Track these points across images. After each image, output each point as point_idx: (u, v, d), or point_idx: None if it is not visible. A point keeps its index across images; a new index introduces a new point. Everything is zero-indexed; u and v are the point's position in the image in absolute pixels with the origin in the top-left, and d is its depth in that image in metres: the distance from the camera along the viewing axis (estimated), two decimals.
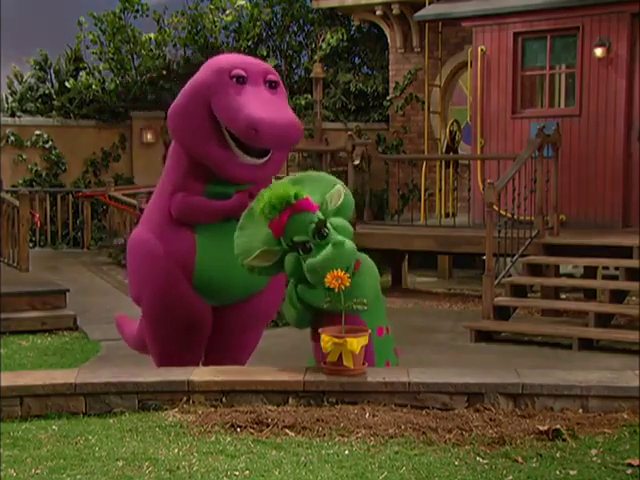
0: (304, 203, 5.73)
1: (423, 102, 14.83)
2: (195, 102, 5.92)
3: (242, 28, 16.48)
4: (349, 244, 5.77)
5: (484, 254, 9.49)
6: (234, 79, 5.88)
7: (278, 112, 5.82)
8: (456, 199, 13.13)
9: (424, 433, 5.12)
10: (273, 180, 6.28)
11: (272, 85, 6.04)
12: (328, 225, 5.71)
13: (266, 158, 6.00)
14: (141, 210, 11.80)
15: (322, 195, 5.88)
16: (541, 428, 5.12)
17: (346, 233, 5.86)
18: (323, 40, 16.38)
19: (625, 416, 5.41)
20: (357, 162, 12.63)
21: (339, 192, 5.89)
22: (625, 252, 9.43)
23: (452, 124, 13.46)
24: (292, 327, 9.42)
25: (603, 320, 8.83)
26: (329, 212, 5.83)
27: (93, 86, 15.29)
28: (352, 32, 16.71)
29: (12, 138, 14.48)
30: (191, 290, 6.21)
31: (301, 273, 5.75)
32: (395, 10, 14.84)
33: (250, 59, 6.26)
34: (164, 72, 15.79)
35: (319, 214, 5.75)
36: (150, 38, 15.97)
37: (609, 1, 11.07)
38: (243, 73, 5.90)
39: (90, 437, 5.13)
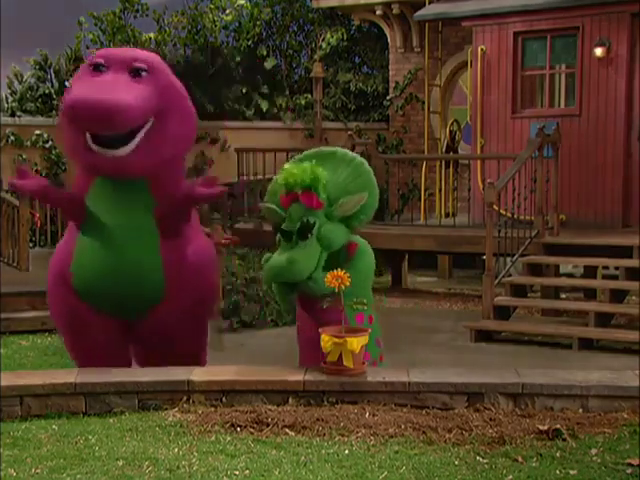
0: (307, 198, 5.80)
1: (423, 102, 14.83)
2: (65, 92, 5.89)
3: (242, 28, 16.47)
4: (302, 266, 5.73)
5: (484, 254, 9.49)
6: (92, 67, 5.82)
7: (101, 93, 5.51)
8: (456, 199, 13.12)
9: (424, 433, 5.12)
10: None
11: (137, 72, 5.78)
12: (314, 231, 5.77)
13: (125, 148, 5.71)
14: None
15: (339, 183, 5.90)
16: (541, 428, 5.12)
17: (328, 244, 5.85)
18: (323, 40, 16.38)
19: (625, 416, 5.41)
20: None
21: (358, 200, 5.89)
22: (625, 252, 9.43)
23: (452, 124, 13.46)
24: (292, 327, 9.45)
25: (603, 320, 8.83)
26: (335, 215, 5.87)
27: None
28: (352, 32, 16.71)
29: (12, 138, 14.47)
30: (72, 294, 6.12)
31: None
32: (395, 10, 14.83)
33: (120, 50, 6.15)
34: None
35: (314, 215, 5.79)
36: (150, 38, 15.97)
37: (609, 1, 11.07)
38: (101, 61, 5.81)
39: (90, 437, 5.13)
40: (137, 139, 5.72)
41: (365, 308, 5.91)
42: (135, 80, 5.74)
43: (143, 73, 5.78)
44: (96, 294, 6.05)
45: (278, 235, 5.90)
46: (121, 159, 5.73)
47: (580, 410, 5.52)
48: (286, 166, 6.02)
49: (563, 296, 10.56)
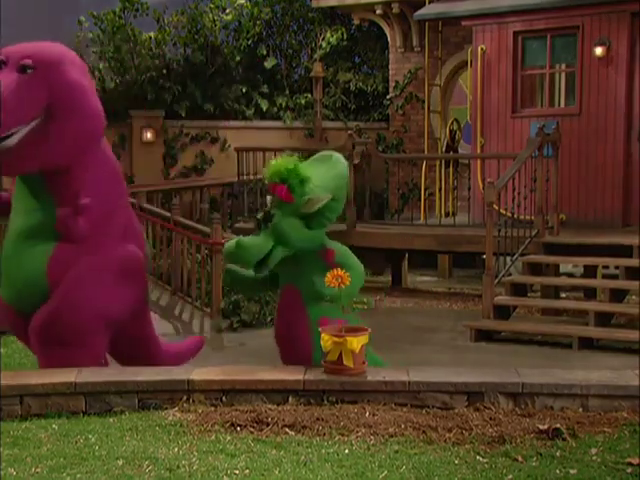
0: (279, 190, 6.00)
1: (423, 101, 14.83)
2: None
3: (242, 27, 16.47)
4: (247, 252, 5.91)
5: (484, 253, 9.49)
6: None
7: None
8: (456, 198, 13.12)
9: (424, 432, 5.12)
10: None
11: (22, 69, 5.74)
12: (271, 223, 5.97)
13: (4, 144, 5.68)
14: (141, 209, 11.81)
15: (319, 179, 6.05)
16: (541, 427, 5.13)
17: (278, 237, 5.95)
18: (323, 39, 16.37)
19: (625, 415, 5.41)
20: (357, 161, 12.62)
21: (320, 200, 5.96)
22: (625, 251, 9.43)
23: (452, 123, 13.45)
24: None
25: (603, 319, 8.83)
26: (299, 210, 5.96)
27: None
28: (352, 31, 16.71)
29: None
30: None
31: None
32: (395, 9, 14.84)
33: (18, 46, 6.03)
34: (164, 71, 15.78)
35: (281, 207, 5.96)
36: (150, 37, 15.96)
37: (609, 0, 11.07)
38: (2, 58, 5.81)
39: (90, 436, 5.13)
40: (18, 135, 5.68)
41: (365, 307, 5.91)
42: (22, 77, 5.72)
43: (29, 70, 5.75)
44: (5, 295, 6.17)
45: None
46: (6, 154, 5.72)
47: (580, 409, 5.52)
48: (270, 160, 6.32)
49: (563, 295, 10.56)
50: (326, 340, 5.70)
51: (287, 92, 16.45)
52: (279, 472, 4.53)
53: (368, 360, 5.94)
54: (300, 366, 5.97)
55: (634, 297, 10.06)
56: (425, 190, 12.92)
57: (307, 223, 5.99)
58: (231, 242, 6.00)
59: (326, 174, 6.12)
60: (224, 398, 5.67)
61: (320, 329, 5.79)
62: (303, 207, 5.95)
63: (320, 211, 5.97)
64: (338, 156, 6.27)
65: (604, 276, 10.37)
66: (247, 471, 4.54)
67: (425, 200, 12.84)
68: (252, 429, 5.20)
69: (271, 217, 5.98)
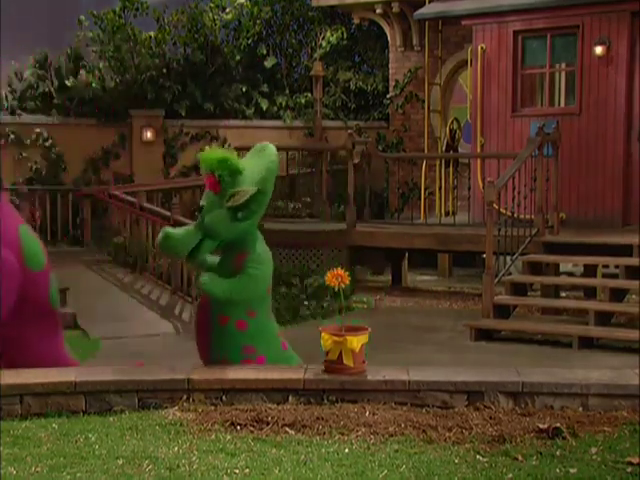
0: (209, 181, 6.05)
1: (423, 101, 14.83)
2: None
3: (242, 26, 16.47)
4: (173, 242, 6.03)
5: (484, 253, 9.49)
6: None
7: None
8: (456, 198, 13.12)
9: (424, 431, 5.12)
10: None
11: None
12: (201, 215, 6.04)
13: None
14: (141, 208, 11.81)
15: (250, 170, 6.05)
16: (541, 426, 5.13)
17: (206, 229, 6.02)
18: (323, 38, 16.37)
19: (625, 414, 5.41)
20: (357, 161, 12.62)
21: (246, 193, 5.99)
22: (625, 250, 9.43)
23: (452, 122, 13.45)
24: (292, 326, 9.48)
25: (603, 319, 8.82)
26: (225, 203, 5.99)
27: (93, 84, 15.28)
28: (352, 30, 16.71)
29: (12, 136, 14.47)
30: None
31: None
32: (395, 8, 14.83)
33: None
34: (164, 70, 15.78)
35: (211, 199, 6.00)
36: (150, 36, 15.96)
37: (609, 0, 11.06)
38: None
39: (90, 435, 5.13)
40: None
41: (365, 307, 5.91)
42: None
43: None
44: None
45: None
46: None
47: (580, 409, 5.52)
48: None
49: (563, 295, 10.56)
50: (326, 339, 5.71)
51: (287, 91, 16.45)
52: (279, 471, 4.53)
53: (283, 358, 6.08)
54: (300, 365, 5.97)
55: (634, 296, 10.05)
56: (425, 189, 12.92)
57: (235, 215, 6.00)
58: (161, 232, 6.12)
59: (256, 166, 6.10)
60: (224, 397, 5.67)
61: (320, 328, 5.79)
62: (229, 200, 5.98)
63: (246, 204, 5.97)
64: (271, 147, 6.22)
65: (604, 275, 10.37)
66: (247, 470, 4.54)
67: (425, 199, 12.84)
68: (252, 428, 5.20)
69: (201, 208, 6.07)
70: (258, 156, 6.18)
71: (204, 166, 6.04)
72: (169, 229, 6.11)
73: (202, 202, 6.09)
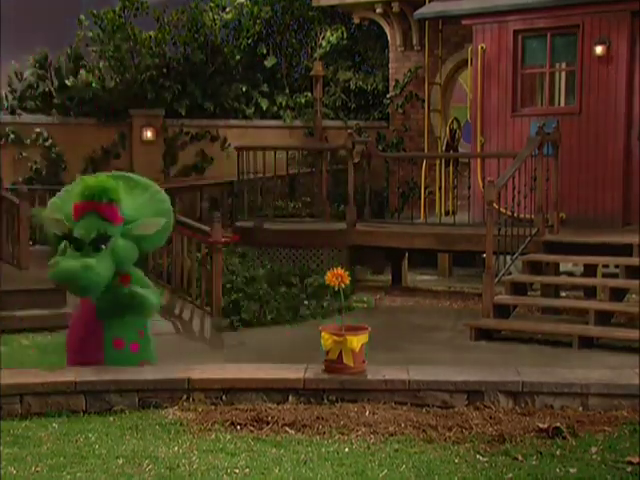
0: (110, 211, 5.98)
1: (423, 100, 14.83)
2: None
3: (242, 26, 16.46)
4: (97, 275, 5.89)
5: (484, 252, 9.49)
6: None
7: None
8: (456, 197, 13.11)
9: (424, 431, 5.12)
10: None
11: None
12: (109, 244, 5.95)
13: None
14: None
15: (134, 204, 6.16)
16: (541, 426, 5.13)
17: (120, 260, 6.04)
18: (323, 38, 16.37)
19: (625, 414, 5.42)
20: (357, 160, 12.62)
21: (157, 223, 6.13)
22: (625, 250, 9.42)
23: (452, 122, 13.45)
24: (292, 326, 9.48)
25: (603, 318, 8.82)
26: (133, 233, 6.05)
27: (93, 84, 15.28)
28: (352, 30, 16.70)
29: (12, 136, 14.47)
30: None
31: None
32: (395, 8, 14.83)
33: None
34: (164, 70, 15.78)
35: (111, 229, 5.96)
36: (150, 36, 15.95)
37: (609, 0, 11.08)
38: None
39: (90, 435, 5.14)
40: None
41: (365, 306, 5.92)
42: None
43: None
44: None
45: (63, 242, 6.06)
46: None
47: (580, 408, 5.52)
48: (83, 177, 6.27)
49: (563, 294, 10.55)
50: (326, 339, 5.71)
51: (287, 91, 16.45)
52: (279, 471, 4.53)
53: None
54: (300, 365, 5.97)
55: (634, 296, 10.05)
56: (425, 189, 12.91)
57: (140, 245, 6.13)
58: (69, 264, 5.90)
59: (142, 198, 6.27)
60: (224, 397, 5.67)
61: (320, 328, 5.80)
62: (140, 230, 6.06)
63: (155, 234, 6.14)
64: (139, 177, 6.48)
65: (604, 275, 10.37)
66: (247, 470, 4.55)
67: (425, 199, 12.83)
68: (252, 428, 5.21)
69: (108, 239, 5.97)
70: (132, 185, 6.34)
71: (97, 194, 5.96)
72: (88, 260, 5.87)
73: (93, 234, 5.93)
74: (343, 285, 5.75)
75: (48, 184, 14.49)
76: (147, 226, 6.10)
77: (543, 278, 9.90)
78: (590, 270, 10.44)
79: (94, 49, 15.94)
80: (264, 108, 15.99)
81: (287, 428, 5.18)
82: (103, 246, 5.94)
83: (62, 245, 6.04)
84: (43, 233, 6.62)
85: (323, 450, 4.83)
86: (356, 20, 15.83)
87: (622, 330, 8.68)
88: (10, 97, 15.34)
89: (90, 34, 15.87)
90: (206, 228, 10.11)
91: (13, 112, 14.92)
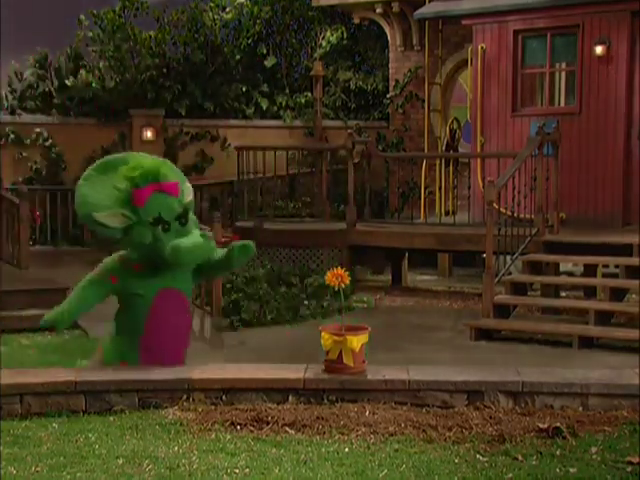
0: (172, 186, 6.05)
1: (423, 100, 14.83)
2: None
3: (242, 26, 16.46)
4: (212, 244, 6.09)
5: (484, 252, 9.49)
6: None
7: None
8: (456, 197, 13.11)
9: (424, 431, 5.12)
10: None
11: None
12: (189, 216, 6.09)
13: None
14: None
15: (178, 181, 6.22)
16: (541, 426, 5.13)
17: (197, 227, 6.19)
18: (323, 38, 16.37)
19: (625, 414, 5.42)
20: (357, 160, 12.62)
21: (191, 189, 6.31)
22: (625, 250, 9.42)
23: (452, 122, 13.45)
24: (292, 326, 9.48)
25: (603, 318, 8.82)
26: (183, 203, 6.13)
27: (93, 84, 15.28)
28: (352, 30, 16.70)
29: (12, 136, 14.47)
30: None
31: (152, 249, 5.97)
32: (395, 8, 14.83)
33: None
34: (164, 70, 15.78)
35: (182, 202, 6.09)
36: (150, 36, 15.95)
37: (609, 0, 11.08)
38: None
39: (90, 435, 5.14)
40: None
41: (365, 306, 5.96)
42: None
43: None
44: None
45: (152, 229, 5.95)
46: None
47: (580, 408, 5.52)
48: (135, 160, 6.14)
49: (563, 294, 10.56)
50: (326, 339, 5.71)
51: (287, 91, 16.45)
52: (279, 471, 4.53)
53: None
54: (300, 365, 5.97)
55: (634, 296, 10.05)
56: (425, 189, 12.91)
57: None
58: (194, 241, 5.96)
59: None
60: (224, 397, 5.67)
61: (320, 328, 5.80)
62: (187, 197, 6.21)
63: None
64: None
65: (604, 275, 10.37)
66: (247, 470, 4.55)
67: (425, 199, 12.84)
68: (252, 428, 5.21)
69: (187, 212, 6.10)
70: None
71: (162, 173, 6.03)
72: (197, 235, 6.03)
73: (176, 211, 6.03)
74: (343, 285, 5.75)
75: (48, 184, 14.51)
76: (188, 192, 6.25)
77: (543, 278, 9.90)
78: (590, 270, 10.44)
79: (94, 49, 15.95)
80: (264, 108, 15.99)
81: (287, 428, 5.18)
82: (186, 219, 6.04)
83: (157, 230, 5.94)
84: (97, 234, 6.55)
85: (323, 450, 4.83)
86: (356, 20, 15.83)
87: (622, 330, 8.68)
88: (10, 97, 15.34)
89: (90, 34, 15.87)
90: (206, 228, 10.12)
91: (13, 112, 14.92)
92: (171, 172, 6.17)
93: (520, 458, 4.70)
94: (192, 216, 6.18)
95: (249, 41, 16.40)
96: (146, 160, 6.09)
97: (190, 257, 5.98)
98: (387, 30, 15.41)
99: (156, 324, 6.07)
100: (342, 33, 16.30)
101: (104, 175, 6.05)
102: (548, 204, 10.23)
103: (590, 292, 10.24)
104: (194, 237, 5.97)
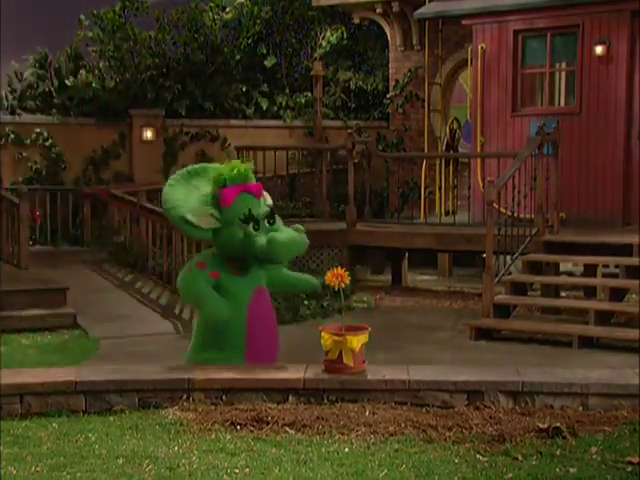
0: (257, 188, 6.20)
1: (423, 100, 14.83)
2: None
3: (242, 26, 16.46)
4: (305, 235, 6.11)
5: (484, 252, 9.49)
6: None
7: None
8: (456, 197, 13.12)
9: (424, 431, 5.12)
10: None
11: None
12: (276, 216, 6.21)
13: None
14: (141, 207, 11.82)
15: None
16: (541, 426, 5.13)
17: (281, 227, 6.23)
18: (323, 38, 16.37)
19: (625, 414, 5.41)
20: (357, 160, 12.62)
21: (267, 194, 6.39)
22: (625, 250, 9.42)
23: (452, 122, 13.45)
24: (292, 326, 9.47)
25: (603, 318, 8.82)
26: (268, 204, 6.27)
27: (93, 84, 15.28)
28: (352, 30, 16.70)
29: (12, 136, 14.47)
30: None
31: (244, 247, 6.03)
32: (395, 8, 14.83)
33: None
34: (164, 70, 15.79)
35: (264, 202, 6.21)
36: (150, 36, 15.96)
37: None
38: None
39: (90, 435, 5.14)
40: None
41: (365, 306, 6.00)
42: None
43: None
44: None
45: (244, 227, 6.03)
46: None
47: (580, 408, 5.52)
48: (217, 167, 6.31)
49: (563, 294, 10.56)
50: (326, 339, 5.71)
51: (287, 91, 16.45)
52: (279, 471, 4.53)
53: None
54: (300, 365, 5.97)
55: (634, 296, 10.06)
56: (425, 189, 12.92)
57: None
58: (290, 236, 6.03)
59: None
60: (224, 397, 5.67)
61: (320, 328, 5.80)
62: (269, 200, 6.33)
63: None
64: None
65: (604, 275, 10.37)
66: (247, 470, 4.55)
67: (425, 199, 12.84)
68: (252, 428, 5.21)
69: (274, 211, 6.23)
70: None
71: (249, 176, 6.18)
72: (292, 230, 6.10)
73: (265, 210, 6.14)
74: (343, 285, 5.75)
75: (48, 184, 14.51)
76: (268, 197, 6.39)
77: (543, 278, 9.90)
78: (590, 270, 10.44)
79: (94, 49, 15.95)
80: (264, 108, 16.00)
81: (287, 428, 5.18)
82: (274, 217, 6.14)
83: (248, 228, 6.02)
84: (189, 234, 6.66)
85: (323, 450, 4.83)
86: (356, 20, 15.83)
87: (622, 330, 8.69)
88: (10, 97, 15.34)
89: (90, 34, 15.87)
90: None
91: (13, 112, 14.92)
92: (252, 175, 6.28)
93: (520, 458, 4.70)
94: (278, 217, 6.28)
95: (249, 41, 16.40)
96: (230, 165, 6.18)
97: (286, 251, 6.04)
98: (387, 30, 15.41)
99: (256, 323, 6.13)
100: (342, 33, 16.30)
101: (188, 181, 6.28)
102: (548, 204, 10.23)
103: (590, 292, 10.24)
104: (288, 232, 6.05)
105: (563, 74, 11.93)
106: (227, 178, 6.06)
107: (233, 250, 6.11)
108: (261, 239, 5.98)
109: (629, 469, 4.54)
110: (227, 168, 6.12)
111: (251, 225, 6.03)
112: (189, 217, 6.02)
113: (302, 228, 6.14)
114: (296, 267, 11.51)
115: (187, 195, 6.18)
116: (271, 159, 12.54)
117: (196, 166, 6.50)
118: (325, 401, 5.61)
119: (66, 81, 15.34)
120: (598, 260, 9.72)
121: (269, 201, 6.32)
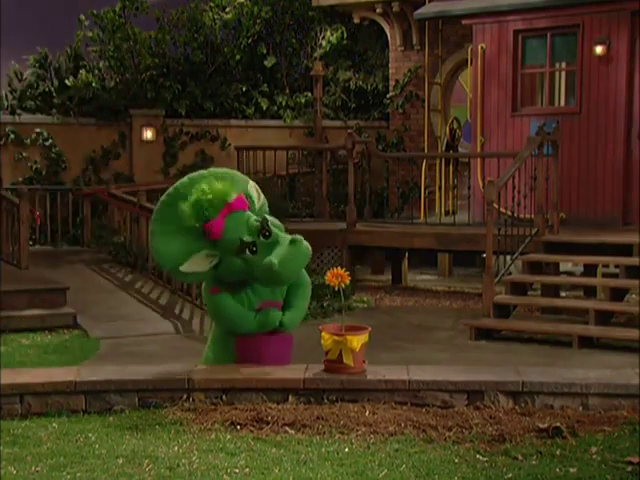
0: (240, 202, 5.68)
1: (423, 100, 14.83)
2: None
3: (242, 26, 16.45)
4: (305, 242, 5.67)
5: (484, 252, 9.49)
6: None
7: None
8: (456, 197, 13.12)
9: (424, 431, 5.12)
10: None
11: None
12: (270, 225, 5.67)
13: None
14: (141, 207, 11.81)
15: (239, 192, 5.77)
16: (541, 426, 5.13)
17: (281, 229, 5.87)
18: (323, 38, 16.36)
19: (625, 414, 5.41)
20: (357, 160, 12.62)
21: (255, 187, 5.94)
22: (625, 250, 9.43)
23: (452, 122, 13.45)
24: None
25: (603, 318, 8.82)
26: (257, 209, 5.86)
27: (93, 84, 15.27)
28: (352, 30, 16.69)
29: (12, 136, 14.47)
30: None
31: (247, 274, 5.77)
32: (395, 8, 14.83)
33: None
34: (164, 70, 15.78)
35: (254, 210, 5.79)
36: (150, 36, 15.95)
37: None
38: None
39: (90, 435, 5.14)
40: None
41: (365, 306, 5.96)
42: None
43: None
44: None
45: (241, 255, 5.68)
46: None
47: (580, 408, 5.52)
48: (169, 199, 5.79)
49: (563, 294, 10.56)
50: (326, 339, 5.71)
51: (287, 91, 16.45)
52: (279, 471, 4.53)
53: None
54: (300, 365, 5.97)
55: (634, 296, 10.06)
56: (425, 189, 12.91)
57: None
58: (295, 250, 5.58)
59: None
60: (224, 397, 5.67)
61: (320, 328, 5.81)
62: (259, 200, 5.98)
63: None
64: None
65: (604, 275, 10.37)
66: (247, 470, 4.55)
67: (425, 199, 12.84)
68: (252, 428, 5.21)
69: (267, 221, 5.70)
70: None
71: (221, 204, 5.61)
72: (298, 240, 5.60)
73: (273, 231, 5.64)
74: (343, 285, 5.75)
75: (48, 184, 14.51)
76: (255, 192, 5.98)
77: (543, 278, 9.91)
78: (590, 270, 10.44)
79: (94, 49, 15.94)
80: (264, 108, 15.99)
81: (287, 428, 5.18)
82: (268, 231, 5.63)
83: (246, 255, 5.66)
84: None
85: (323, 450, 4.83)
86: (356, 20, 15.83)
87: (622, 330, 8.69)
88: (10, 97, 15.33)
89: (90, 34, 15.86)
90: None
91: (13, 112, 14.91)
92: (229, 187, 5.69)
93: (520, 458, 4.70)
94: (273, 220, 5.81)
95: (249, 41, 16.39)
96: (201, 189, 5.63)
97: (287, 271, 5.61)
98: (387, 30, 15.41)
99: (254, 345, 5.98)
100: (342, 33, 16.29)
101: (168, 223, 5.74)
102: (548, 204, 10.24)
103: (590, 292, 10.24)
104: (286, 249, 5.56)
105: (563, 74, 11.94)
106: (206, 208, 5.58)
107: (236, 277, 5.84)
108: (259, 266, 5.60)
109: (629, 469, 4.54)
110: (201, 195, 5.58)
111: (247, 252, 5.67)
112: (184, 270, 5.73)
113: (300, 238, 5.66)
114: None
115: (173, 241, 5.70)
116: (271, 159, 12.53)
117: (166, 200, 5.83)
118: (325, 401, 5.61)
119: (66, 81, 15.33)
120: (598, 260, 9.72)
121: (259, 199, 5.94)
